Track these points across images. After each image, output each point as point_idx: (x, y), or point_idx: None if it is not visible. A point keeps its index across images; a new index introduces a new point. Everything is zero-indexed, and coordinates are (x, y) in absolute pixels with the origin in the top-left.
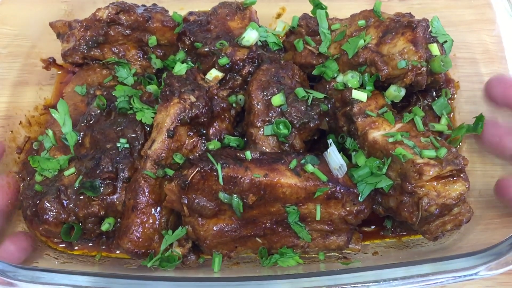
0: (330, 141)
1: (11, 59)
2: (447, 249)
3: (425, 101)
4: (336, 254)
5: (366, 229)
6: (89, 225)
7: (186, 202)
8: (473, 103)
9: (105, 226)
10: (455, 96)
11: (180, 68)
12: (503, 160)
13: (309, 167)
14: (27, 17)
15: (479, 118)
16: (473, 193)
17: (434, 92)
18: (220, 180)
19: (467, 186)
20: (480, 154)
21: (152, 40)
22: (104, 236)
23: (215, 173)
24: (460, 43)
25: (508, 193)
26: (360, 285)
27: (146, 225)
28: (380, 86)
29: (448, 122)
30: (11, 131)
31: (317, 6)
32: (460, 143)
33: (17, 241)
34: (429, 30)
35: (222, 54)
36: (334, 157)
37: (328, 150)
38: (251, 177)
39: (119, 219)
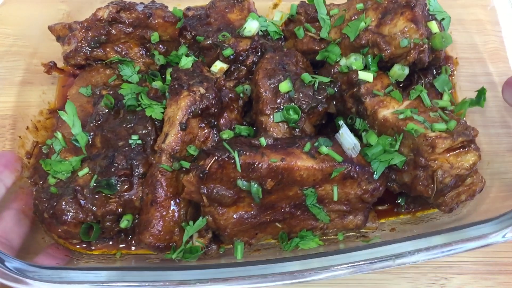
0: (341, 122)
1: (12, 63)
2: (462, 220)
3: (426, 79)
4: (354, 233)
5: (380, 208)
6: (108, 223)
7: (205, 192)
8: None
9: (124, 223)
10: (455, 72)
11: (186, 62)
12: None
13: (324, 149)
14: (27, 18)
15: (481, 91)
16: (482, 165)
17: (434, 70)
18: (238, 167)
19: (478, 155)
20: (484, 128)
21: (155, 36)
22: (122, 234)
23: (232, 161)
24: (463, 43)
25: None
26: (386, 259)
27: (166, 218)
28: (384, 67)
29: (450, 98)
30: (19, 136)
31: None
32: (464, 118)
33: (54, 252)
34: (426, 9)
35: (226, 45)
36: (347, 137)
37: (340, 131)
38: (268, 162)
39: (137, 216)
